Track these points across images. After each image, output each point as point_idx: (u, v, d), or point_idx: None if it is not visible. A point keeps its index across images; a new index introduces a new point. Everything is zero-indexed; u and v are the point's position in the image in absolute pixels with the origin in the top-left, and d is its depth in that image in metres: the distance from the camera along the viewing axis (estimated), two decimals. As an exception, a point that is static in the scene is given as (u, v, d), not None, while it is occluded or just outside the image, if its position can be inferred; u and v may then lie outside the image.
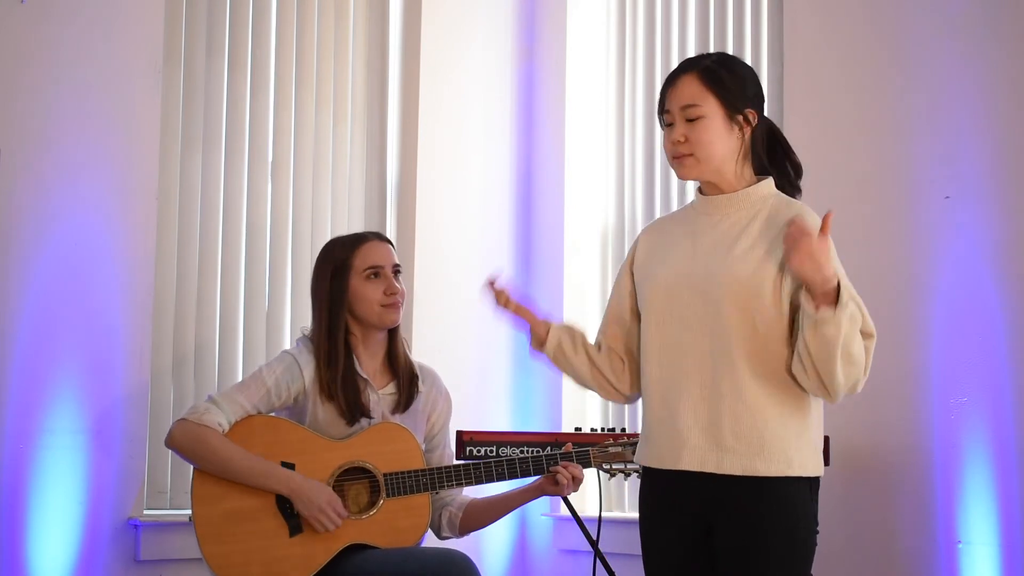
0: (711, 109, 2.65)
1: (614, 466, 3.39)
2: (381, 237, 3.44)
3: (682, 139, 2.65)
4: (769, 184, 2.70)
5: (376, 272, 3.34)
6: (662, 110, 2.70)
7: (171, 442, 3.23)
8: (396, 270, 3.39)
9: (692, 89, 2.66)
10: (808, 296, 2.49)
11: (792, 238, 2.47)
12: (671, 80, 2.70)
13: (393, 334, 3.42)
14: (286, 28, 4.31)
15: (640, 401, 2.74)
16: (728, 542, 2.58)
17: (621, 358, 2.78)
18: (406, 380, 3.39)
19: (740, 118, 2.67)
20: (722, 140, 2.66)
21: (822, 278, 2.46)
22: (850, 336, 2.50)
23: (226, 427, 3.21)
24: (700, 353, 2.60)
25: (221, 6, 4.16)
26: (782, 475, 2.57)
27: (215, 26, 4.14)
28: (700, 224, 2.70)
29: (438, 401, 3.47)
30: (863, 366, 2.55)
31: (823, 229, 2.48)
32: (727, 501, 2.58)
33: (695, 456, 2.59)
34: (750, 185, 2.69)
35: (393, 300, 3.33)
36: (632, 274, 2.78)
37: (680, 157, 2.66)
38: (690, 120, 2.64)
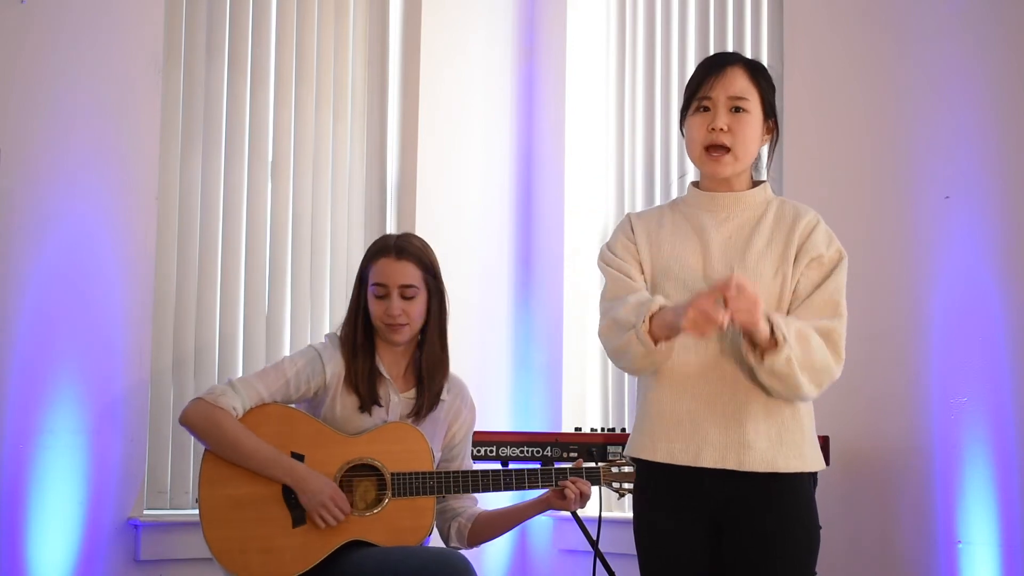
0: (755, 106, 2.64)
1: (624, 485, 3.39)
2: (401, 253, 3.34)
3: (726, 127, 2.60)
4: (768, 188, 2.71)
5: (382, 291, 3.33)
6: (700, 95, 2.64)
7: (185, 419, 3.24)
8: (404, 292, 3.32)
9: (743, 81, 2.63)
10: (750, 347, 2.49)
11: (732, 296, 2.41)
12: (717, 67, 2.65)
13: (423, 345, 3.39)
14: (286, 28, 4.31)
15: (641, 396, 2.70)
16: (744, 538, 2.58)
17: None
18: (431, 391, 3.37)
19: (769, 123, 2.68)
20: (756, 141, 2.66)
21: (756, 328, 2.45)
22: (804, 357, 2.50)
23: (240, 411, 3.21)
24: (721, 350, 2.57)
25: (221, 6, 4.16)
26: (798, 471, 2.59)
27: (215, 26, 4.14)
28: (703, 220, 2.67)
29: (462, 411, 3.45)
30: (830, 365, 2.55)
31: (733, 289, 2.42)
32: (742, 497, 2.57)
33: (715, 453, 2.56)
34: (752, 187, 2.69)
35: (391, 322, 3.32)
36: (639, 260, 2.70)
37: (718, 150, 2.61)
38: (735, 111, 2.61)
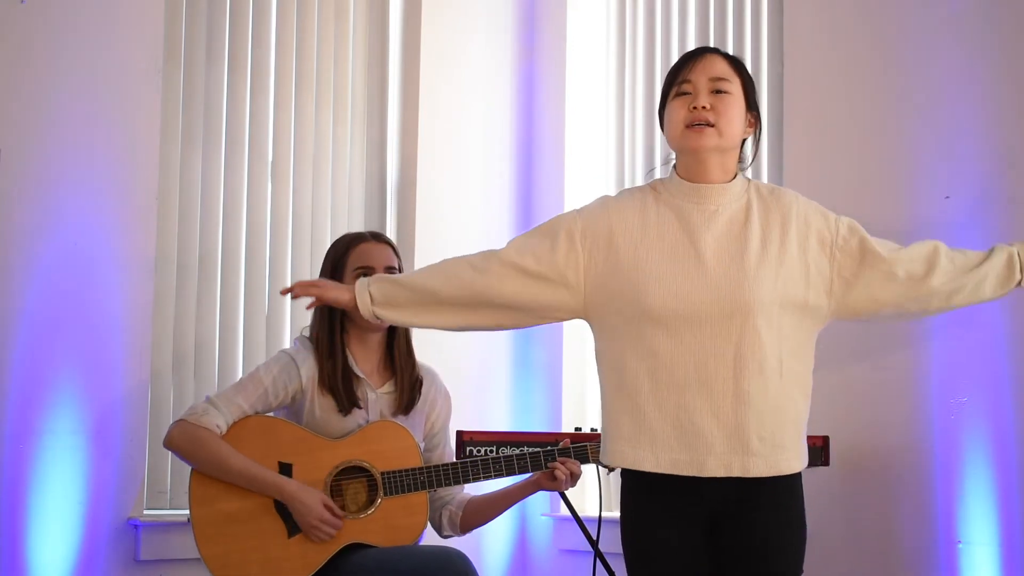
0: (736, 90, 2.63)
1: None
2: (379, 238, 3.44)
3: (708, 106, 2.59)
4: (741, 175, 2.70)
5: (365, 274, 3.35)
6: (681, 81, 2.63)
7: (169, 443, 3.24)
8: (389, 273, 3.38)
9: (723, 65, 2.64)
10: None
11: None
12: (697, 55, 2.65)
13: (393, 334, 3.43)
14: (286, 28, 4.31)
15: (625, 397, 2.62)
16: (738, 536, 2.58)
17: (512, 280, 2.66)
18: (407, 383, 3.39)
19: (752, 115, 2.68)
20: (740, 123, 2.64)
21: None
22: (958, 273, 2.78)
23: (224, 428, 3.21)
24: (723, 358, 2.54)
25: (221, 6, 4.16)
26: (796, 471, 2.61)
27: (215, 26, 4.14)
28: (691, 215, 2.62)
29: (437, 400, 3.48)
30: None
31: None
32: (741, 500, 2.58)
33: (720, 462, 2.54)
34: (733, 177, 2.67)
35: None
36: (598, 252, 2.64)
37: (701, 125, 2.59)
38: (717, 93, 2.60)
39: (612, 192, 4.70)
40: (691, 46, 4.49)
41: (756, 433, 2.54)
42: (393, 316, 2.71)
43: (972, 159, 3.58)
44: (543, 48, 4.88)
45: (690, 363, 2.55)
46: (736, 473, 2.54)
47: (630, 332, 2.61)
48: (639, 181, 4.63)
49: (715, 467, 2.54)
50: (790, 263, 2.60)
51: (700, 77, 2.61)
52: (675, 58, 4.54)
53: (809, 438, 3.35)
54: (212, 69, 4.13)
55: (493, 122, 4.79)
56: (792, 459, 2.59)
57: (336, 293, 2.73)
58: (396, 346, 3.42)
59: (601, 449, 2.69)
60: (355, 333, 3.37)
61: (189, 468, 3.25)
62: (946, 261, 2.72)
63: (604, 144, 4.77)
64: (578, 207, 2.75)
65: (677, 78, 2.64)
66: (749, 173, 2.78)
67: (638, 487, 2.64)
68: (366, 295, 2.69)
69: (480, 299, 2.66)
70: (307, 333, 3.41)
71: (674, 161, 2.73)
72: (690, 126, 2.60)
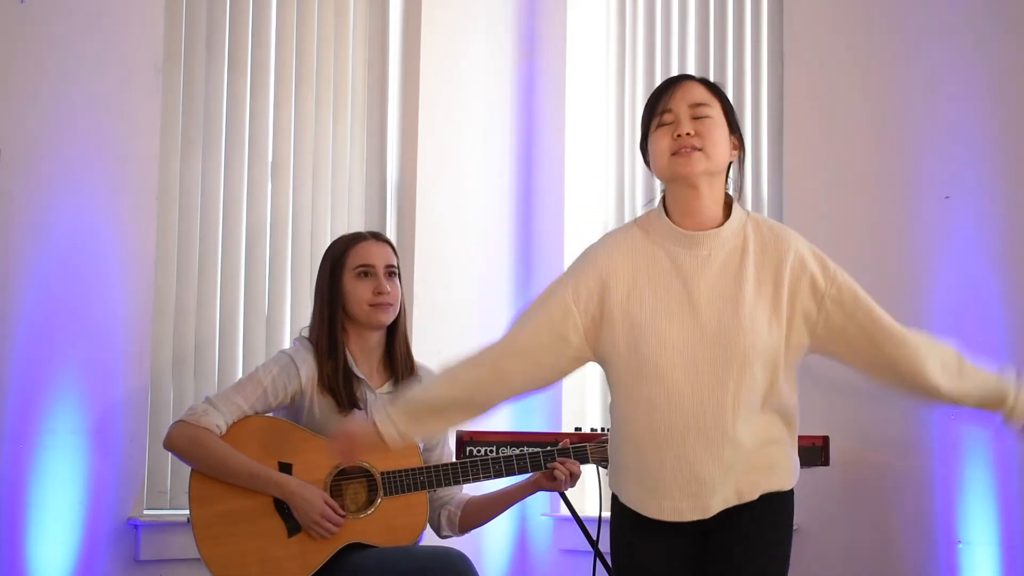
0: (717, 113, 2.59)
1: None
2: (378, 237, 3.45)
3: (692, 132, 2.54)
4: (740, 209, 2.63)
5: (366, 271, 3.36)
6: (661, 111, 2.59)
7: (169, 444, 3.24)
8: (390, 271, 3.39)
9: (701, 90, 2.60)
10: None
11: None
12: (674, 83, 2.62)
13: (393, 335, 3.43)
14: (286, 28, 4.31)
15: (627, 442, 2.61)
16: (732, 552, 2.58)
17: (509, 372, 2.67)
18: (406, 383, 3.39)
19: (735, 138, 2.63)
20: (725, 146, 2.59)
21: None
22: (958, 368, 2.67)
23: (223, 428, 3.22)
24: (722, 407, 2.52)
25: (221, 6, 4.16)
26: (787, 489, 2.62)
27: (215, 26, 4.14)
28: (684, 261, 2.57)
29: None
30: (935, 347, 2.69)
31: None
32: (734, 514, 2.58)
33: (720, 500, 2.55)
34: (727, 214, 2.60)
35: (380, 300, 3.32)
36: (593, 307, 2.60)
37: (688, 151, 2.54)
38: (698, 119, 2.56)
39: (612, 190, 4.71)
40: (691, 46, 4.50)
41: (745, 462, 2.55)
42: (423, 431, 2.73)
43: (972, 159, 3.59)
44: (543, 48, 4.89)
45: (688, 414, 2.53)
46: (733, 503, 2.57)
47: (628, 381, 2.59)
48: (639, 182, 4.62)
49: (718, 506, 2.56)
50: (781, 306, 2.55)
51: (680, 104, 2.57)
52: (675, 59, 4.57)
53: (809, 438, 3.38)
54: (212, 69, 4.13)
55: (493, 122, 4.79)
56: (784, 477, 2.61)
57: (367, 441, 2.66)
58: (395, 347, 3.42)
59: (609, 477, 2.71)
60: (354, 333, 3.38)
61: (189, 468, 3.25)
62: (941, 375, 2.63)
63: (604, 144, 4.78)
64: (566, 270, 2.70)
65: (656, 108, 2.60)
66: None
67: (633, 519, 2.64)
68: (391, 429, 2.63)
69: (498, 388, 2.68)
70: (307, 334, 3.41)
71: (662, 195, 2.66)
72: (676, 153, 2.56)
